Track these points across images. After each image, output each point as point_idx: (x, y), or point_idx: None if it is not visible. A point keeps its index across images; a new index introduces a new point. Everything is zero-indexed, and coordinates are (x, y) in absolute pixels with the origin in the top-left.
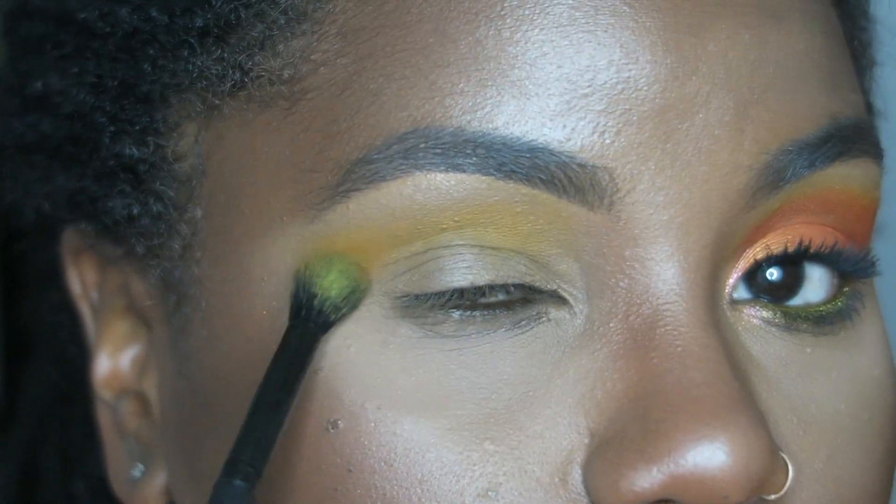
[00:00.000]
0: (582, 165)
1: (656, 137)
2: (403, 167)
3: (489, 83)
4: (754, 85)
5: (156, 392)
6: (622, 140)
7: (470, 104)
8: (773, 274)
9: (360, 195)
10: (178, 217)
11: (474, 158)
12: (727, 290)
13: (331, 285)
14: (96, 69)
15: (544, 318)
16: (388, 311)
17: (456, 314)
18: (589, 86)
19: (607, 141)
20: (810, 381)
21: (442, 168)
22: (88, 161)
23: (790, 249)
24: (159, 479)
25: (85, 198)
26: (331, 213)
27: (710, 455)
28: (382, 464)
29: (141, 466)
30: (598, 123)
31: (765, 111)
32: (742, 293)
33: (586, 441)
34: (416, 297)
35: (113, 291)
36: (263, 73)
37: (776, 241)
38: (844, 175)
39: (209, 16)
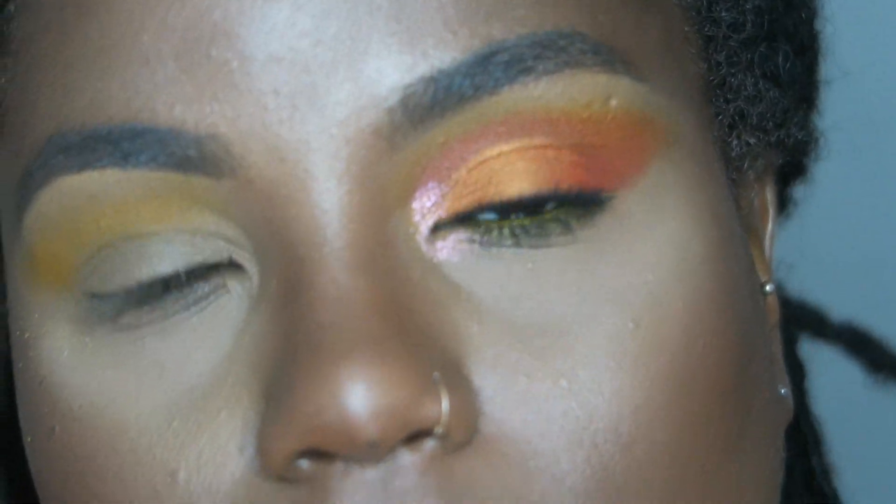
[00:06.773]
0: (195, 139)
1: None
2: (45, 175)
3: (99, 75)
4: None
5: None
6: (216, 107)
7: (89, 99)
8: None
9: (29, 207)
10: None
11: (99, 153)
12: (410, 229)
13: None
14: None
15: (223, 291)
16: (84, 313)
17: (133, 308)
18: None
19: (208, 110)
20: (534, 299)
21: (75, 170)
22: None
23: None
24: None
25: None
26: (22, 224)
27: (326, 402)
28: (88, 461)
29: None
30: (194, 94)
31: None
32: (443, 224)
33: (262, 407)
34: (101, 297)
35: None
36: None
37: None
38: (539, 94)
39: None
